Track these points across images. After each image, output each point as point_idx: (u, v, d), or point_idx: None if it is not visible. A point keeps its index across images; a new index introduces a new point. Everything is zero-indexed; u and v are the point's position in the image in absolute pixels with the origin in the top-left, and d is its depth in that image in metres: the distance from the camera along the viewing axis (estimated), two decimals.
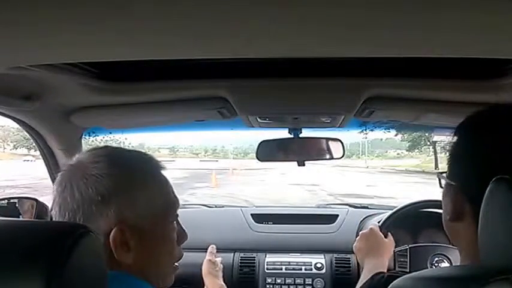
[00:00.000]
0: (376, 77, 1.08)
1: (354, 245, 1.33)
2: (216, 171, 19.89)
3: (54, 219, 0.70)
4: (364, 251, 1.28)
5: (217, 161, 40.92)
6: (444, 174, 0.68)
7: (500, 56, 0.75)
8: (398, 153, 48.10)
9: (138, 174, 0.72)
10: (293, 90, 1.12)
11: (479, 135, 0.62)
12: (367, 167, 32.95)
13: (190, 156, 53.02)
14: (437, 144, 26.35)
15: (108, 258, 0.65)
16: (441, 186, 0.70)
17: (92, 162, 0.70)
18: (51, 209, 0.71)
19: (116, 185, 0.68)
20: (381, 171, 28.05)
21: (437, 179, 0.71)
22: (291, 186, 16.00)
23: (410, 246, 1.48)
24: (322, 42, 0.64)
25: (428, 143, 28.88)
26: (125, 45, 0.65)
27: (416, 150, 33.23)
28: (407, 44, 0.65)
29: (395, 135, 26.66)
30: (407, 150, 35.10)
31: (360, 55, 0.77)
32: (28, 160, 32.64)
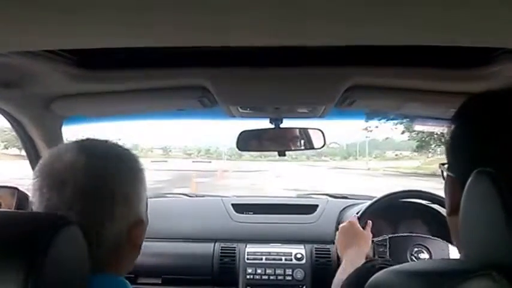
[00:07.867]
0: (357, 65, 1.07)
1: (335, 239, 1.34)
2: (203, 173, 19.03)
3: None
4: (344, 244, 1.29)
5: (210, 162, 40.38)
6: (446, 166, 0.64)
7: (487, 45, 0.73)
8: (396, 155, 47.39)
9: (138, 170, 0.71)
10: (273, 79, 1.12)
11: (471, 124, 0.59)
12: (369, 169, 31.32)
13: (183, 157, 52.72)
14: None
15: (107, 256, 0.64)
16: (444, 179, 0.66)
17: (95, 159, 0.65)
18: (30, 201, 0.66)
19: (125, 182, 0.66)
20: (384, 173, 26.13)
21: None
22: (286, 191, 15.53)
23: (389, 236, 1.49)
24: (302, 30, 0.63)
25: (439, 143, 24.03)
26: (105, 33, 0.65)
27: (424, 151, 29.35)
28: (389, 32, 0.64)
29: (402, 132, 24.66)
30: (414, 151, 31.52)
31: (341, 43, 0.76)
32: None
